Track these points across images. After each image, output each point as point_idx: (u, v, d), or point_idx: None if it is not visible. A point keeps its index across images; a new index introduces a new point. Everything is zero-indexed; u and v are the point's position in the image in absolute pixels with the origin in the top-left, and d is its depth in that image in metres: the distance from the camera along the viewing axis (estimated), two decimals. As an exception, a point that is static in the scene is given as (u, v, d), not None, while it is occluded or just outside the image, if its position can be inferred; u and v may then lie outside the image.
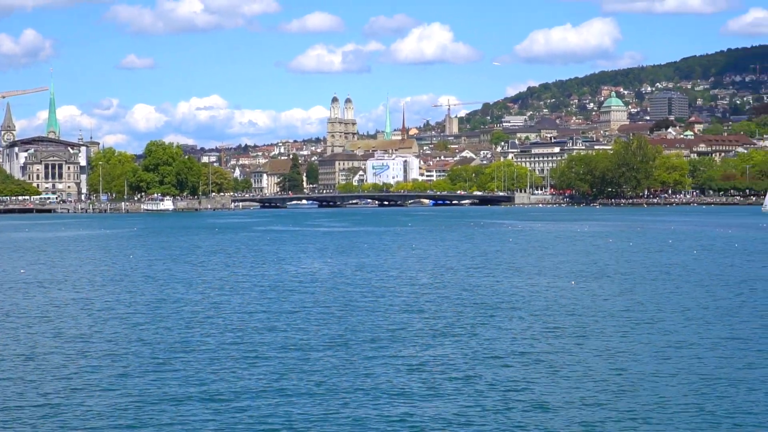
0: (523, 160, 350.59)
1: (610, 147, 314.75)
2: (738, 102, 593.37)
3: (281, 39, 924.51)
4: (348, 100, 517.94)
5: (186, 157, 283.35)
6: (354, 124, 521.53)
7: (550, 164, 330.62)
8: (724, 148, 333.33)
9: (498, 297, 43.95)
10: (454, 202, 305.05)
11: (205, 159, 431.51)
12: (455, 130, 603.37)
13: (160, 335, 33.91)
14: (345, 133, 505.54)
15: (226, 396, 24.45)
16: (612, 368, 27.19)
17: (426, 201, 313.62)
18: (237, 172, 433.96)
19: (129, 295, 47.14)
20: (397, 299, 43.56)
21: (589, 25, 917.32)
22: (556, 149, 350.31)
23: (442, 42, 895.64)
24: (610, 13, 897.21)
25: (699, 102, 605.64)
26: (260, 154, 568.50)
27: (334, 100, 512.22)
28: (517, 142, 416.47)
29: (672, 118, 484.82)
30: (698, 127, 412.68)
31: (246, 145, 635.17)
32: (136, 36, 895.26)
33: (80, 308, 41.83)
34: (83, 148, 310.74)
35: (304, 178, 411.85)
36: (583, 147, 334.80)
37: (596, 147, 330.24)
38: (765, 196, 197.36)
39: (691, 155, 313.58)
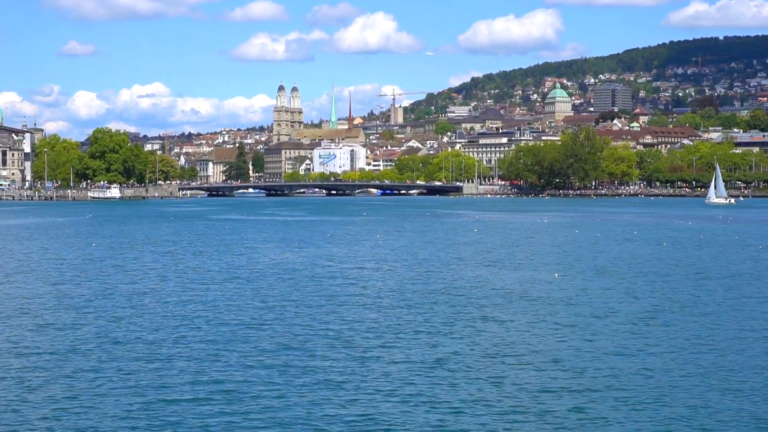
0: (471, 150, 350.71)
1: (557, 138, 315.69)
2: (680, 94, 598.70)
3: (224, 27, 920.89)
4: (294, 89, 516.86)
5: (133, 144, 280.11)
6: (300, 112, 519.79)
7: (498, 155, 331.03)
8: (669, 140, 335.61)
9: (491, 290, 43.20)
10: (402, 191, 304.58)
11: (148, 147, 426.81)
12: (400, 119, 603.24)
13: (148, 327, 32.81)
14: (291, 122, 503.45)
15: (212, 396, 23.59)
16: (642, 368, 26.51)
17: (374, 190, 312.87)
18: (182, 160, 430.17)
19: (104, 286, 45.83)
20: (385, 292, 42.71)
21: (532, 16, 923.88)
22: (504, 140, 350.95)
23: (386, 31, 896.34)
24: (552, 4, 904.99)
25: (642, 94, 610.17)
26: (204, 142, 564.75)
27: (281, 88, 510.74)
28: (464, 132, 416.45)
29: (616, 109, 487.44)
30: (643, 119, 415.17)
31: (189, 133, 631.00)
32: (78, 22, 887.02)
33: (56, 300, 40.53)
34: (27, 135, 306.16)
35: (251, 167, 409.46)
36: (531, 138, 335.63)
37: (543, 138, 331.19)
38: (709, 188, 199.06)
39: (638, 147, 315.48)
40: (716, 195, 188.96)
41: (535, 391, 23.77)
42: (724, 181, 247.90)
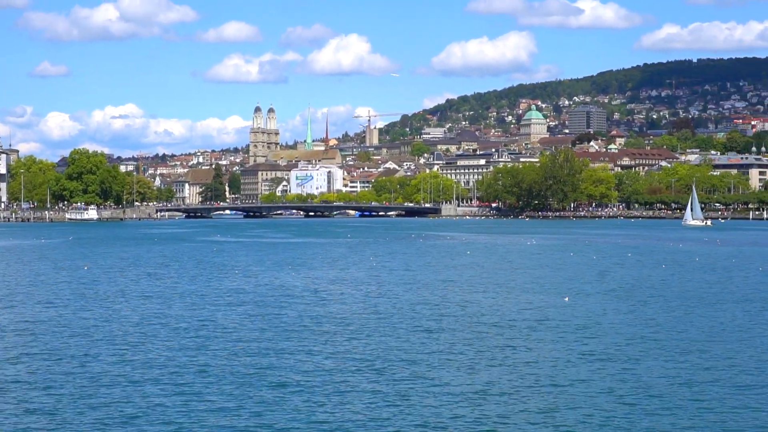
0: (449, 172, 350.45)
1: (535, 160, 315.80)
2: (655, 116, 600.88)
3: (198, 48, 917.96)
4: (271, 110, 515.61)
5: (111, 165, 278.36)
6: (277, 134, 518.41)
7: (476, 176, 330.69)
8: (647, 161, 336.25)
9: (510, 316, 42.46)
10: (380, 213, 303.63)
11: (122, 168, 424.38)
12: (375, 141, 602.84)
13: (164, 354, 31.89)
14: (268, 143, 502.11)
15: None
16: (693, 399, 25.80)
17: (352, 212, 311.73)
18: (157, 182, 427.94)
19: (109, 311, 44.83)
20: (399, 318, 41.87)
21: (506, 38, 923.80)
22: (482, 161, 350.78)
23: (360, 53, 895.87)
24: (526, 26, 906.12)
25: (616, 116, 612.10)
26: (179, 163, 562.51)
27: (257, 109, 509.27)
28: (442, 153, 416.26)
29: (591, 131, 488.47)
30: (619, 141, 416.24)
31: (164, 154, 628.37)
32: (50, 43, 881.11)
33: (60, 326, 39.50)
34: (2, 156, 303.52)
35: (227, 188, 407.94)
36: (509, 159, 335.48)
37: (522, 160, 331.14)
38: (668, 210, 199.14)
39: (615, 168, 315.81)
40: (692, 217, 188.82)
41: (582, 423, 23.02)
42: (702, 203, 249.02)
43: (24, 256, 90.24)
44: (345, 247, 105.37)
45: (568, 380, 27.87)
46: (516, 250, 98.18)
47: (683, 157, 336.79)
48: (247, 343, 34.82)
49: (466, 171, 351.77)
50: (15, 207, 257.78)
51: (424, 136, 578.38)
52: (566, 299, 48.66)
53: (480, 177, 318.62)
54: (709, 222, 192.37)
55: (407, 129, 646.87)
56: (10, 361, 31.09)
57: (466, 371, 29.28)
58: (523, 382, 27.72)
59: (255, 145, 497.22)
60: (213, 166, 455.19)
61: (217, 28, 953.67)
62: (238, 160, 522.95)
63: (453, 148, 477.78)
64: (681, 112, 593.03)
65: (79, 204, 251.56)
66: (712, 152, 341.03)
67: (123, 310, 45.18)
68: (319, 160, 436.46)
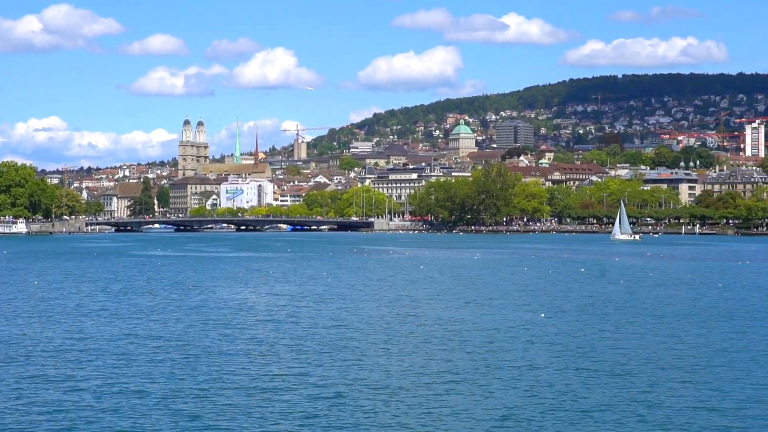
0: (380, 186, 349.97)
1: (467, 174, 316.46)
2: (581, 131, 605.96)
3: (123, 61, 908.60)
4: (200, 123, 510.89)
5: (39, 178, 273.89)
6: (206, 147, 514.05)
7: (408, 190, 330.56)
8: (577, 176, 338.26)
9: (492, 334, 41.67)
10: (312, 227, 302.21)
11: (47, 181, 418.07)
12: (304, 155, 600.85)
13: (144, 374, 30.69)
14: (197, 157, 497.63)
15: None
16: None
17: (284, 226, 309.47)
18: (84, 195, 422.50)
19: (70, 329, 43.30)
20: (381, 336, 40.94)
21: (432, 53, 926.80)
22: (414, 176, 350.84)
23: (286, 67, 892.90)
24: (452, 41, 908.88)
25: (543, 131, 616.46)
26: (104, 176, 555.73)
27: (186, 122, 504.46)
28: (373, 167, 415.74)
29: (519, 146, 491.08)
30: (548, 156, 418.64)
31: (89, 167, 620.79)
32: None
33: (36, 343, 38.06)
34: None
35: (156, 202, 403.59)
36: (441, 174, 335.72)
37: (453, 174, 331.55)
38: (599, 224, 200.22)
39: (546, 183, 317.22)
40: (621, 232, 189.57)
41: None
42: (634, 218, 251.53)
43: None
44: (291, 261, 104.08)
45: (579, 397, 27.17)
46: (467, 265, 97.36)
47: (613, 172, 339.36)
48: (238, 365, 33.68)
49: (398, 185, 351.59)
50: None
51: (353, 150, 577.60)
52: (542, 315, 48.06)
53: (412, 191, 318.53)
54: (637, 237, 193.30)
55: (335, 143, 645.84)
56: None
57: (482, 395, 28.44)
58: (535, 402, 26.99)
59: (184, 159, 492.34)
60: (141, 180, 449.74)
61: (142, 41, 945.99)
62: (165, 174, 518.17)
63: (382, 163, 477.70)
64: (607, 128, 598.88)
65: (7, 217, 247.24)
66: (642, 167, 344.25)
67: (95, 327, 43.66)
68: (248, 174, 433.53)
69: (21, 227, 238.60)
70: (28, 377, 30.96)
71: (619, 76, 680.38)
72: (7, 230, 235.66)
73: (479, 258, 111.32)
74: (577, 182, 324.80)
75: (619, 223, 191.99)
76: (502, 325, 44.08)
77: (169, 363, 33.65)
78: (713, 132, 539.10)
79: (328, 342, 38.74)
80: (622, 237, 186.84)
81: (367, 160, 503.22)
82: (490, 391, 28.59)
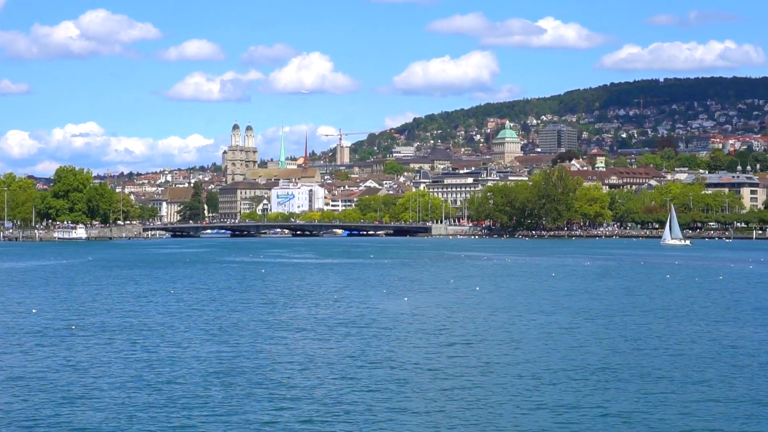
0: (435, 190, 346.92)
1: (524, 178, 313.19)
2: (624, 135, 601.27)
3: (159, 66, 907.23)
4: (249, 128, 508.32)
5: (98, 183, 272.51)
6: (255, 152, 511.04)
7: (464, 195, 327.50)
8: (635, 180, 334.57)
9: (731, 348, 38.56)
10: (369, 232, 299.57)
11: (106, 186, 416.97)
12: (346, 159, 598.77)
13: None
14: (246, 161, 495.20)
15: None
16: None
17: (339, 231, 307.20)
18: (132, 200, 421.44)
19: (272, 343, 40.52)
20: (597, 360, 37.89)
21: (468, 57, 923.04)
22: (470, 180, 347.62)
23: (322, 72, 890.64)
24: (488, 46, 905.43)
25: (585, 135, 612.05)
26: (146, 182, 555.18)
27: (235, 127, 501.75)
28: (428, 171, 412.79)
29: (563, 150, 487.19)
30: (599, 159, 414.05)
31: (130, 172, 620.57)
32: (11, 61, 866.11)
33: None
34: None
35: (205, 207, 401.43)
36: (498, 178, 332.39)
37: (510, 178, 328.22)
38: (663, 229, 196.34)
39: (604, 187, 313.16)
40: (672, 236, 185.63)
41: None
42: (701, 222, 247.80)
43: (78, 277, 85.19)
44: (395, 268, 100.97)
45: None
46: (589, 272, 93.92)
47: (669, 176, 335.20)
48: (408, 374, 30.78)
49: (454, 189, 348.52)
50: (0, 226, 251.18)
51: (395, 154, 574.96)
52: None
53: (468, 195, 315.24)
54: (687, 242, 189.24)
55: (375, 147, 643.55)
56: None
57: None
58: None
59: (233, 163, 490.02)
60: (191, 185, 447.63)
61: (178, 46, 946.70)
62: (206, 179, 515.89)
63: (426, 167, 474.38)
64: (650, 132, 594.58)
65: (66, 223, 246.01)
66: (701, 171, 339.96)
67: (282, 341, 40.91)
68: (299, 179, 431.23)
69: (81, 232, 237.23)
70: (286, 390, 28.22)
71: (661, 79, 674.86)
72: (66, 235, 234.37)
73: (591, 265, 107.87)
74: (635, 186, 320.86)
75: (670, 227, 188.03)
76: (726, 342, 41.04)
77: (435, 392, 30.77)
78: (758, 135, 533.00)
79: (576, 368, 35.77)
80: (672, 242, 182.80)
81: (412, 165, 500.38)
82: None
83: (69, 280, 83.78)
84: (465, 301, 60.50)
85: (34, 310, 54.99)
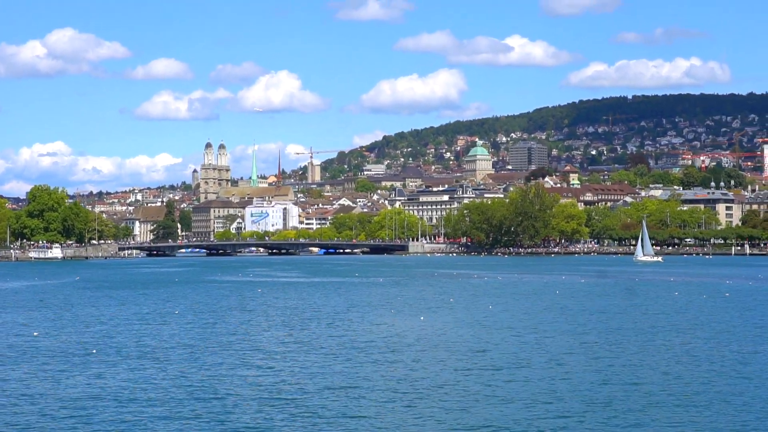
0: (411, 208, 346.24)
1: (500, 195, 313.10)
2: (593, 152, 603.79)
3: (127, 85, 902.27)
4: (221, 146, 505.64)
5: (72, 202, 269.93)
6: (228, 170, 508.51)
7: (438, 212, 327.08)
8: (610, 197, 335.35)
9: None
10: (346, 250, 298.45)
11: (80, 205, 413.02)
12: (318, 177, 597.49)
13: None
14: (219, 180, 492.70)
15: None
16: None
17: (315, 249, 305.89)
18: (106, 219, 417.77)
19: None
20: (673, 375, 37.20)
21: (435, 75, 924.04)
22: (445, 197, 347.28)
23: (290, 90, 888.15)
24: (455, 64, 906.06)
25: (555, 152, 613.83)
26: (116, 201, 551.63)
27: (208, 145, 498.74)
28: (403, 189, 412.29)
29: (534, 167, 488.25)
30: (572, 176, 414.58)
31: (99, 191, 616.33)
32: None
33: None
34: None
35: (179, 226, 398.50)
36: (473, 195, 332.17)
37: (486, 195, 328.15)
38: (635, 246, 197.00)
39: (580, 204, 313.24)
40: (643, 253, 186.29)
41: None
42: (678, 238, 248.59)
43: (80, 298, 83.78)
44: (390, 287, 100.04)
45: None
46: (587, 289, 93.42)
47: (643, 192, 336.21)
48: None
49: (429, 207, 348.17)
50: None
51: (366, 172, 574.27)
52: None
53: (444, 213, 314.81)
54: (659, 258, 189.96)
55: (345, 165, 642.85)
56: None
57: None
58: None
59: (206, 182, 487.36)
60: (163, 203, 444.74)
61: (146, 65, 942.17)
62: (177, 198, 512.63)
63: (398, 185, 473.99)
64: (619, 149, 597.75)
65: (42, 242, 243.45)
66: (675, 187, 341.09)
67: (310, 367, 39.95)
68: (272, 197, 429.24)
69: (57, 252, 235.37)
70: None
71: (629, 97, 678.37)
72: (42, 255, 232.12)
73: (585, 282, 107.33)
74: (609, 203, 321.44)
75: (641, 244, 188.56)
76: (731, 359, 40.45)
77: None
78: (727, 152, 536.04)
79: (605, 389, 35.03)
80: (644, 258, 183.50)
81: (383, 183, 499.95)
82: None
83: (64, 300, 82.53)
84: (484, 320, 59.60)
85: (35, 333, 54.25)
